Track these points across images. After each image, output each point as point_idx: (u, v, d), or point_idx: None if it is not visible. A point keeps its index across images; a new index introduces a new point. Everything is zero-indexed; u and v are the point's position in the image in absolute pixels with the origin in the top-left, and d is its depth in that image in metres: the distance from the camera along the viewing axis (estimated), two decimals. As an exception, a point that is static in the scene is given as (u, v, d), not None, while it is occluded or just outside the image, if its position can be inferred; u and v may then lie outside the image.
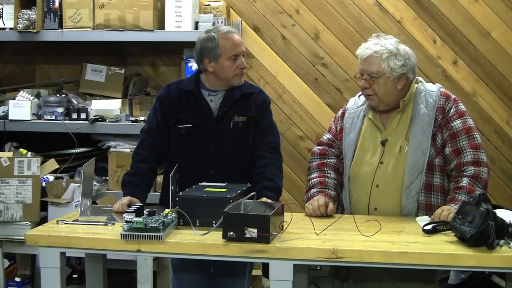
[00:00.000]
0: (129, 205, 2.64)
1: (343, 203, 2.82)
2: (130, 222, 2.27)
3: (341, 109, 2.96)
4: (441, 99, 2.72)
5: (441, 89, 2.76)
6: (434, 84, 2.82)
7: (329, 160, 2.88)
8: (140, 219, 2.25)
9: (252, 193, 2.43)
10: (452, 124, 2.68)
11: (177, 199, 2.42)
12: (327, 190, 2.76)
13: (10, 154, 3.42)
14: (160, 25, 3.96)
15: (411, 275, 2.56)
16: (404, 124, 2.73)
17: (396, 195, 2.68)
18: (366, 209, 2.72)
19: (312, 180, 2.83)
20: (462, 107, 2.73)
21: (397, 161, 2.70)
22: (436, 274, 2.81)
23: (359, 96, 2.90)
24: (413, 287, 2.65)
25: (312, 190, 2.79)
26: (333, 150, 2.89)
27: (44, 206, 3.38)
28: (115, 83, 4.20)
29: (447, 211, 2.44)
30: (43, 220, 3.26)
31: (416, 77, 2.79)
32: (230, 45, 2.84)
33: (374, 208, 2.71)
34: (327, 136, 2.94)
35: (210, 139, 2.87)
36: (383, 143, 2.73)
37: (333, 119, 2.98)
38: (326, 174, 2.83)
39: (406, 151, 2.68)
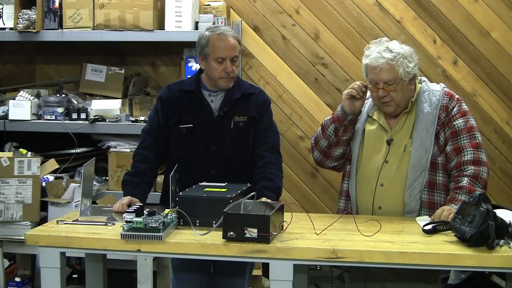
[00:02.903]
0: (129, 205, 2.64)
1: (349, 193, 2.80)
2: (130, 222, 2.27)
3: None
4: (445, 98, 2.73)
5: (445, 89, 2.78)
6: (438, 84, 2.83)
7: None
8: (140, 219, 2.25)
9: (252, 193, 2.43)
10: (454, 123, 2.69)
11: (177, 199, 2.42)
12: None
13: (10, 154, 3.41)
14: (160, 25, 3.96)
15: (415, 274, 2.56)
16: (409, 123, 2.74)
17: (400, 194, 2.69)
18: (370, 207, 2.73)
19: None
20: (465, 107, 2.74)
21: (402, 160, 2.71)
22: (439, 273, 2.81)
23: None
24: (416, 286, 2.65)
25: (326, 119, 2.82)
26: None
27: (44, 206, 3.38)
28: (115, 83, 4.20)
29: (447, 211, 2.45)
30: (43, 220, 3.26)
31: (420, 77, 2.80)
32: (219, 47, 2.82)
33: (379, 207, 2.71)
34: None
35: (210, 139, 2.87)
36: (389, 142, 2.74)
37: None
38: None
39: (410, 149, 2.69)
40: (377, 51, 2.67)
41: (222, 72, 2.83)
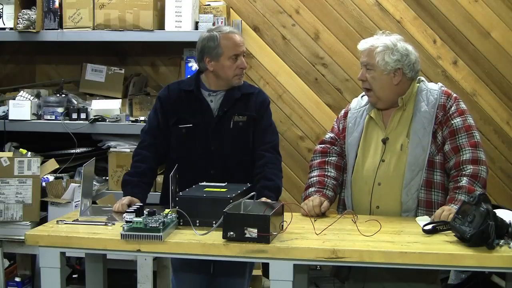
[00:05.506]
0: (129, 205, 2.64)
1: (345, 202, 2.82)
2: (130, 222, 2.27)
3: (344, 109, 2.97)
4: (442, 97, 2.73)
5: (443, 88, 2.78)
6: (436, 83, 2.83)
7: (330, 158, 2.88)
8: (140, 219, 2.25)
9: (252, 193, 2.43)
10: (452, 122, 2.69)
11: (177, 199, 2.42)
12: (324, 190, 2.77)
13: (10, 154, 3.41)
14: (160, 25, 3.97)
15: (413, 274, 2.56)
16: (405, 122, 2.74)
17: (398, 193, 2.68)
18: (368, 207, 2.73)
19: (312, 179, 2.84)
20: (462, 105, 2.74)
21: (399, 159, 2.70)
22: (438, 274, 2.81)
23: (362, 96, 2.92)
24: (415, 287, 2.65)
25: (310, 189, 2.79)
26: (335, 148, 2.90)
27: (44, 206, 3.38)
28: (115, 83, 4.20)
29: (448, 211, 2.44)
30: (43, 220, 3.26)
31: (418, 77, 2.80)
32: (231, 44, 2.85)
33: (376, 206, 2.71)
34: (329, 135, 2.95)
35: (210, 139, 2.88)
36: (384, 141, 2.74)
37: (335, 119, 2.99)
38: (326, 173, 2.83)
39: (407, 148, 2.69)
40: (371, 38, 2.78)
41: (237, 69, 2.87)
